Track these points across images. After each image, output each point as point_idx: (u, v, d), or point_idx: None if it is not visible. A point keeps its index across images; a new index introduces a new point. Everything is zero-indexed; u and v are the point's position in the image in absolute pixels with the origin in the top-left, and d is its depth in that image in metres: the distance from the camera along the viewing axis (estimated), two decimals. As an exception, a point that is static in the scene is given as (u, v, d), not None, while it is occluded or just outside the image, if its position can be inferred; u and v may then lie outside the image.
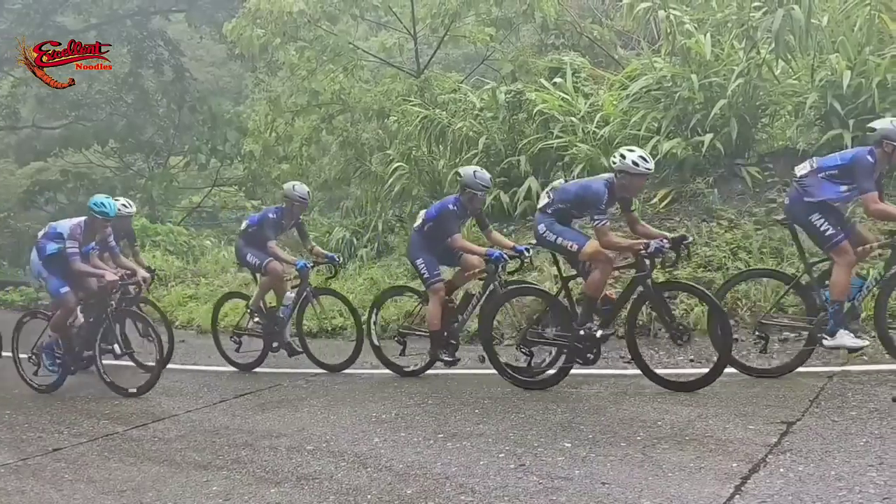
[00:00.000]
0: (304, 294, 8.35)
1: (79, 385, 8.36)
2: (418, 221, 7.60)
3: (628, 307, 6.39)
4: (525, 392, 6.47)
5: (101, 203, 7.65)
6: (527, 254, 7.16)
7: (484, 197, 7.45)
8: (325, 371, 8.13)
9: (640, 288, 6.20)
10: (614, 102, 11.01)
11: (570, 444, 4.94)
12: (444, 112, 12.44)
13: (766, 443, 4.60)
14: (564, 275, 6.67)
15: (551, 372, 6.61)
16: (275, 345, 8.47)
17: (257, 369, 8.56)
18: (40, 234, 8.07)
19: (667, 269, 6.57)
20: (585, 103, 11.36)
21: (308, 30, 14.53)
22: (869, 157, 5.91)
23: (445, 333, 7.34)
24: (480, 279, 7.39)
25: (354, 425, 5.93)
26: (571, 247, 6.34)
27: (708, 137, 9.47)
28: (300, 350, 8.41)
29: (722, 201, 9.33)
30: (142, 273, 8.26)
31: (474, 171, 7.32)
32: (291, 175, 16.56)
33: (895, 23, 9.08)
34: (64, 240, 7.60)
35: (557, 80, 11.98)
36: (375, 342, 7.83)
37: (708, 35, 10.01)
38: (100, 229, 7.80)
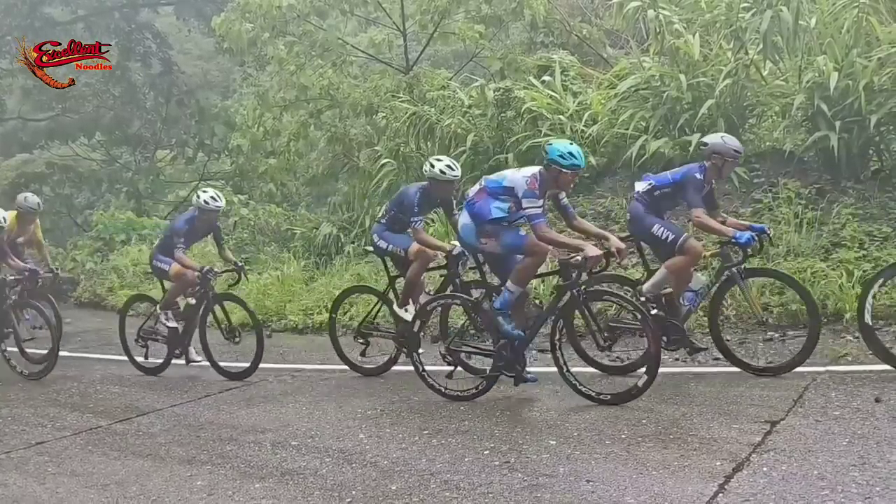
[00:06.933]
0: (729, 274, 6.26)
1: (65, 378, 8.33)
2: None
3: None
4: (510, 390, 6.45)
5: (570, 154, 5.71)
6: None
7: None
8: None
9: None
10: (603, 101, 11.01)
11: (554, 442, 4.96)
12: (433, 109, 12.40)
13: (749, 442, 4.63)
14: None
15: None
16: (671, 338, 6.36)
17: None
18: (472, 190, 6.17)
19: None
20: (574, 102, 11.35)
21: (297, 24, 14.48)
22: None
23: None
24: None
25: (339, 421, 5.93)
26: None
27: (695, 137, 9.46)
28: (702, 346, 6.55)
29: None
30: (615, 243, 5.96)
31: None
32: (278, 170, 16.55)
33: (883, 25, 9.13)
34: (515, 197, 5.81)
35: (546, 78, 11.97)
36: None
37: (696, 35, 10.03)
38: (552, 183, 5.83)
